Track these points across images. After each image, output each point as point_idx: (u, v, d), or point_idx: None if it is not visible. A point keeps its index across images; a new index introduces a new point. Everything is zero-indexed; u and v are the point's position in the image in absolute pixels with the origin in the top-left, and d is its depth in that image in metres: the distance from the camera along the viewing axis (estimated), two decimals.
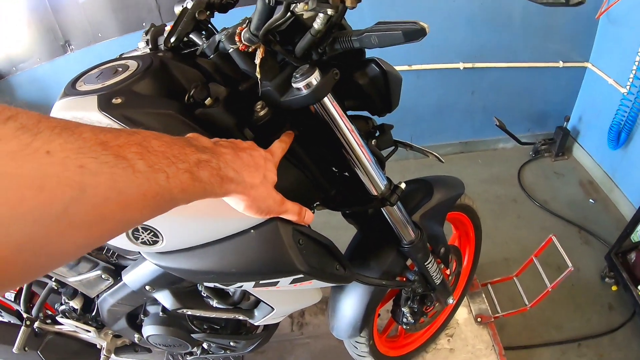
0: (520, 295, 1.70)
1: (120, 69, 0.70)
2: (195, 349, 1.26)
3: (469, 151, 2.89)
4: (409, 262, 1.12)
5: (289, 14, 0.56)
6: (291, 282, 0.76)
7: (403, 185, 0.84)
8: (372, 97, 0.76)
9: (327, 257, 0.80)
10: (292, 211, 0.66)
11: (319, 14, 0.55)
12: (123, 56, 0.83)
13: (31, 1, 2.27)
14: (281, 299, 0.92)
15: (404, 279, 1.14)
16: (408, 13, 2.19)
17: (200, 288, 0.99)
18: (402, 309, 1.20)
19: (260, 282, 0.75)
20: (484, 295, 1.77)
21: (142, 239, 0.68)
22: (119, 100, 0.61)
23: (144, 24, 2.32)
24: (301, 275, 0.74)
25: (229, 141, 0.58)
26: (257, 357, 1.71)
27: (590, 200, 2.47)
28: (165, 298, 0.97)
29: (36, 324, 1.25)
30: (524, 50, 2.39)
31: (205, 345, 1.25)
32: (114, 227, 0.37)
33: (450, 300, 1.30)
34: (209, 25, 0.79)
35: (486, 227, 2.28)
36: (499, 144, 2.87)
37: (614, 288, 1.97)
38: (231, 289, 0.79)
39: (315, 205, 0.94)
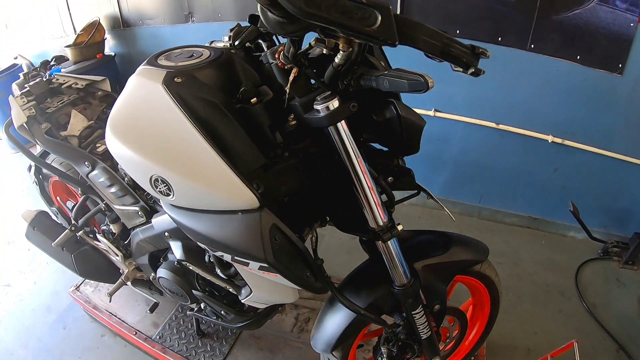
0: None
1: (195, 55, 0.85)
2: (193, 305, 1.39)
3: (536, 228, 2.69)
4: None
5: (307, 45, 0.65)
6: (259, 268, 0.85)
7: (400, 227, 0.87)
8: (387, 136, 0.81)
9: (299, 262, 0.87)
10: None
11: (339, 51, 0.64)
12: (212, 43, 0.98)
13: None
14: (258, 284, 1.01)
15: (392, 321, 1.14)
16: (504, 71, 2.13)
17: (208, 252, 1.11)
18: (380, 347, 1.21)
19: (235, 257, 0.86)
20: None
21: (160, 189, 0.82)
22: (179, 80, 0.75)
23: None
24: (266, 265, 0.82)
25: None
26: (251, 340, 1.81)
27: None
28: (176, 247, 1.12)
29: (79, 233, 1.47)
30: (621, 139, 2.17)
31: (202, 305, 1.38)
32: None
33: None
34: (274, 37, 0.90)
35: (522, 310, 2.16)
36: (569, 231, 2.64)
37: None
38: (218, 254, 0.90)
39: (328, 220, 1.01)
